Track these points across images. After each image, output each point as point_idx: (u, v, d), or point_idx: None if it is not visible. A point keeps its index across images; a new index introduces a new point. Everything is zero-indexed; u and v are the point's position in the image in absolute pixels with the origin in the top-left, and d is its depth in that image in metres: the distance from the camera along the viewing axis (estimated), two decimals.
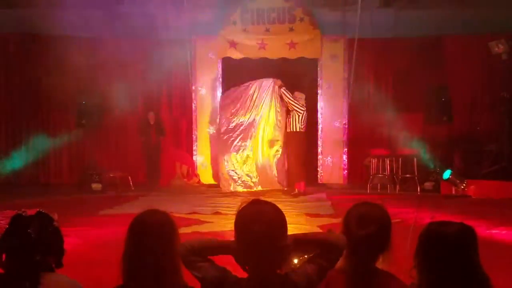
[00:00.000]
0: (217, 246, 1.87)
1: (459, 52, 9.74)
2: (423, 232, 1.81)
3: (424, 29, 9.63)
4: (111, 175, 9.26)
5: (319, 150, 10.07)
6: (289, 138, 8.38)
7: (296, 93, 8.46)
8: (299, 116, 8.25)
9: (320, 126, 10.08)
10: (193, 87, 10.09)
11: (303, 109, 8.31)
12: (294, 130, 8.28)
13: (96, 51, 9.73)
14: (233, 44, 9.91)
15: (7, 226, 1.88)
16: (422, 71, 9.75)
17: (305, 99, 8.53)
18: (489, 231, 5.10)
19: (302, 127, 8.30)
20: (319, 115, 10.09)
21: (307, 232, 2.15)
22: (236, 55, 9.93)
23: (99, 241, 4.93)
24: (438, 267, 1.71)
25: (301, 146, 8.34)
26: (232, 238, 1.87)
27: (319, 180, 10.00)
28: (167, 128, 9.99)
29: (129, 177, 9.27)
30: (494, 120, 9.29)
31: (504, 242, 4.81)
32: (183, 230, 5.15)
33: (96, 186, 8.94)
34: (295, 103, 8.25)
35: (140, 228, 1.93)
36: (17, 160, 9.10)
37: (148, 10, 9.92)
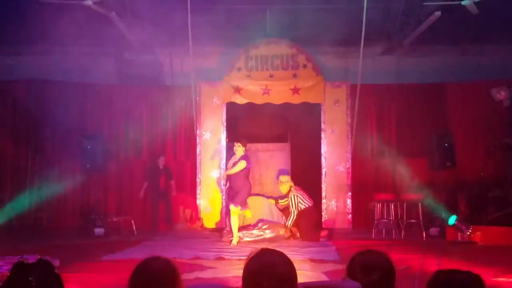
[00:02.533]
0: None
1: (461, 99, 9.86)
2: (431, 280, 1.79)
3: (426, 76, 9.81)
4: (114, 220, 9.22)
5: (323, 194, 10.03)
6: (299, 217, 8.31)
7: (281, 177, 8.60)
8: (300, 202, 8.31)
9: (324, 170, 10.09)
10: (198, 132, 10.20)
11: (308, 203, 8.36)
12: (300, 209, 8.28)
13: (102, 97, 9.94)
14: (237, 90, 10.09)
15: (8, 274, 1.88)
16: (425, 116, 9.86)
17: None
18: (496, 279, 5.00)
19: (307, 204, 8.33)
20: (322, 159, 10.12)
21: (317, 281, 2.12)
22: (240, 100, 10.09)
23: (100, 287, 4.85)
24: None
25: (311, 217, 8.33)
26: (235, 285, 1.84)
27: (323, 225, 9.90)
28: (171, 172, 10.03)
29: (132, 222, 9.23)
30: (498, 165, 9.28)
31: None
32: (185, 276, 5.10)
33: (98, 230, 8.88)
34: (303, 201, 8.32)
35: (142, 276, 1.91)
36: (21, 204, 9.09)
37: (155, 58, 10.21)
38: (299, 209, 8.27)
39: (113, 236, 8.81)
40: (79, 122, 9.53)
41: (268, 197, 9.08)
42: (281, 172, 8.98)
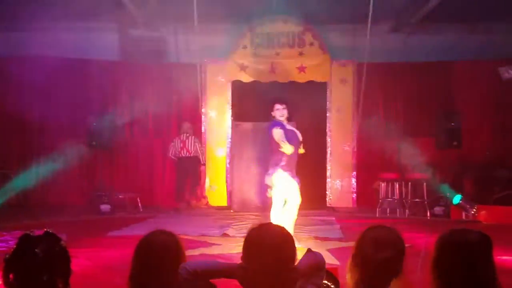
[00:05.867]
0: (221, 269, 1.86)
1: (469, 77, 9.73)
2: (445, 238, 1.81)
3: (434, 54, 9.67)
4: (120, 197, 9.28)
5: (328, 173, 10.03)
6: None
7: None
8: None
9: (329, 150, 10.06)
10: (203, 110, 10.16)
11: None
12: None
13: (108, 74, 9.89)
14: (243, 68, 10.01)
15: (15, 246, 1.89)
16: (432, 96, 9.76)
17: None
18: (500, 258, 5.01)
19: None
20: (327, 139, 10.09)
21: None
22: (246, 78, 10.02)
23: (107, 263, 4.92)
24: (458, 273, 1.73)
25: None
26: (239, 261, 1.85)
27: (327, 204, 9.93)
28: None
29: (138, 199, 9.29)
30: (504, 145, 9.22)
31: None
32: (190, 253, 5.15)
33: (104, 207, 8.95)
34: None
35: (146, 249, 1.93)
36: (27, 180, 9.15)
37: (159, 34, 10.11)
38: None
39: (119, 213, 8.89)
40: (84, 99, 9.50)
41: None
42: None
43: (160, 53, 9.82)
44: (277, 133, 5.63)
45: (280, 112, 5.84)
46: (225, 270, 1.90)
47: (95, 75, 9.90)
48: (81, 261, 4.52)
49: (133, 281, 1.90)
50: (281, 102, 5.90)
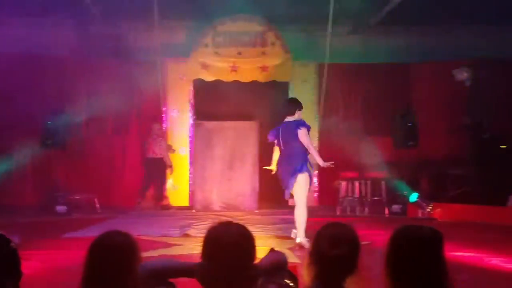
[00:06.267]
0: (180, 268, 1.83)
1: (425, 79, 10.03)
2: (397, 234, 1.85)
3: (392, 55, 9.90)
4: (76, 197, 9.04)
5: None
6: None
7: None
8: None
9: None
10: (164, 109, 10.03)
11: None
12: None
13: (64, 71, 9.61)
14: (204, 66, 9.94)
15: None
16: (390, 96, 9.99)
17: None
18: (453, 254, 5.19)
19: None
20: None
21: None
22: (207, 77, 9.96)
23: (61, 265, 4.76)
24: (410, 267, 1.76)
25: None
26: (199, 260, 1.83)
27: (290, 203, 9.97)
28: (136, 149, 9.86)
29: (96, 199, 9.07)
30: (458, 144, 9.55)
31: (467, 264, 4.89)
32: (150, 254, 5.06)
33: (60, 208, 8.69)
34: None
35: (99, 250, 1.87)
36: None
37: (119, 32, 9.90)
38: None
39: (75, 214, 8.65)
40: (39, 96, 9.17)
41: None
42: None
43: (119, 50, 9.61)
44: (308, 135, 5.80)
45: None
46: (184, 269, 1.87)
47: (50, 72, 9.59)
48: (33, 263, 4.38)
49: (86, 284, 1.84)
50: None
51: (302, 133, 5.73)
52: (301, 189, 5.80)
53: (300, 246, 5.61)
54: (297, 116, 5.94)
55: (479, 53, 9.44)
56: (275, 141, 6.02)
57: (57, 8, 8.74)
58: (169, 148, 9.72)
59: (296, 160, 5.76)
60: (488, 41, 9.58)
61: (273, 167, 6.08)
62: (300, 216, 5.78)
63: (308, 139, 5.81)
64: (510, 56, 9.55)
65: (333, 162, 5.94)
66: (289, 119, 5.92)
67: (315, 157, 5.86)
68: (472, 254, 5.33)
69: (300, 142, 5.74)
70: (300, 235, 5.75)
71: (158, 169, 9.51)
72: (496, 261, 4.92)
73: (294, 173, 5.73)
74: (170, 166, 9.65)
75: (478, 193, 8.50)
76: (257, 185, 9.56)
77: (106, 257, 1.85)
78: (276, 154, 6.11)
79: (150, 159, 9.44)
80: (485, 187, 8.52)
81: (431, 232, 1.84)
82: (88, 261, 1.87)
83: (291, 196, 6.04)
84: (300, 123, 5.83)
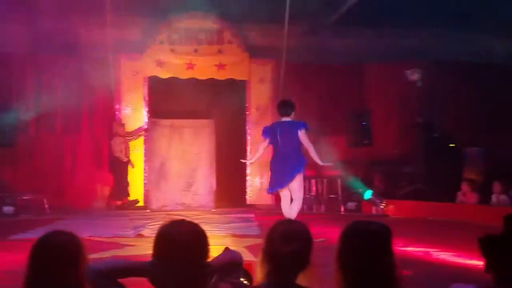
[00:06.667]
0: (130, 268, 1.77)
1: (379, 79, 10.27)
2: (348, 229, 1.89)
3: (347, 56, 10.08)
4: (24, 198, 8.67)
5: (248, 171, 10.08)
6: None
7: None
8: None
9: (248, 148, 10.12)
10: (117, 107, 9.78)
11: None
12: None
13: (13, 67, 9.23)
14: (160, 64, 9.78)
15: None
16: (345, 96, 10.17)
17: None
18: (404, 249, 5.34)
19: None
20: (247, 136, 10.14)
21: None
22: (163, 74, 9.80)
23: (7, 268, 4.54)
24: (359, 261, 1.79)
25: None
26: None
27: (247, 201, 9.99)
28: (88, 148, 9.58)
29: (45, 200, 8.73)
30: (410, 143, 9.82)
31: (416, 259, 5.02)
32: (101, 255, 4.90)
33: (7, 209, 8.31)
34: None
35: (42, 251, 1.79)
36: None
37: (70, 27, 9.58)
38: None
39: (23, 215, 8.30)
40: None
41: None
42: None
43: (70, 46, 9.28)
44: (307, 136, 6.07)
45: None
46: (134, 269, 1.81)
47: None
48: None
49: (28, 285, 1.75)
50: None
51: (303, 133, 6.01)
52: (300, 187, 6.13)
53: None
54: (292, 116, 6.21)
55: (430, 55, 9.76)
56: (268, 139, 6.22)
57: (5, 2, 8.36)
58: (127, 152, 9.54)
59: (295, 160, 6.03)
60: (439, 44, 9.93)
61: (251, 161, 6.54)
62: (297, 208, 6.12)
63: (308, 139, 6.07)
64: (459, 58, 9.93)
65: (331, 163, 6.45)
66: (285, 119, 6.18)
67: (314, 157, 6.16)
68: (422, 249, 5.48)
69: (299, 142, 6.01)
70: None
71: (122, 169, 9.37)
72: (444, 256, 5.08)
73: (293, 173, 6.00)
74: (131, 165, 9.46)
75: (429, 191, 8.78)
76: (214, 184, 9.50)
77: (48, 257, 1.78)
78: (261, 151, 6.39)
79: (115, 158, 9.33)
80: (435, 185, 8.82)
81: (380, 226, 1.89)
82: (30, 262, 1.81)
83: (274, 193, 6.49)
84: (301, 124, 6.10)
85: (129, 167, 9.51)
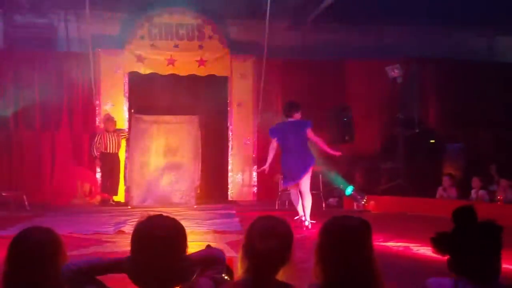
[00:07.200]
0: (107, 265, 1.75)
1: (360, 75, 10.33)
2: (328, 224, 1.91)
3: (329, 52, 10.13)
4: (3, 194, 8.51)
5: (229, 167, 10.07)
6: None
7: None
8: None
9: (230, 143, 10.11)
10: (97, 102, 9.66)
11: None
12: None
13: None
14: (140, 59, 9.68)
15: None
16: (326, 92, 10.21)
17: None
18: (385, 244, 5.39)
19: None
20: (229, 132, 10.12)
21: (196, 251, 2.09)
22: (143, 70, 9.70)
23: None
24: (338, 255, 1.82)
25: None
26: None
27: (229, 197, 9.98)
28: (68, 145, 9.46)
29: (24, 197, 8.58)
30: (390, 139, 9.91)
31: (396, 254, 5.07)
32: (82, 251, 4.84)
33: None
34: None
35: (19, 247, 1.77)
36: None
37: (48, 21, 9.42)
38: None
39: (2, 211, 8.14)
40: None
41: None
42: None
43: (48, 41, 9.15)
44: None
45: None
46: (112, 265, 1.79)
47: None
48: None
49: (6, 282, 1.73)
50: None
51: (311, 131, 6.60)
52: (308, 180, 6.63)
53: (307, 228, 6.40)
54: (298, 116, 6.72)
55: (410, 52, 9.86)
56: (275, 139, 6.67)
57: None
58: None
59: (307, 156, 6.57)
60: (419, 41, 10.04)
61: (267, 167, 6.76)
62: (310, 201, 6.59)
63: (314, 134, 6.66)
64: (438, 55, 10.06)
65: (340, 153, 7.11)
66: (292, 119, 6.69)
67: (324, 147, 6.80)
68: (402, 244, 5.54)
69: (307, 140, 6.58)
70: (307, 218, 6.52)
71: (114, 164, 9.31)
72: (424, 250, 5.14)
73: (307, 167, 6.52)
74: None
75: (409, 186, 8.89)
76: (196, 180, 9.45)
77: (26, 253, 1.77)
78: (272, 154, 6.71)
79: (106, 154, 9.23)
80: (416, 180, 8.92)
81: (358, 221, 1.92)
82: (8, 258, 1.79)
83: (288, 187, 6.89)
84: (308, 123, 6.68)
85: (121, 164, 9.44)
